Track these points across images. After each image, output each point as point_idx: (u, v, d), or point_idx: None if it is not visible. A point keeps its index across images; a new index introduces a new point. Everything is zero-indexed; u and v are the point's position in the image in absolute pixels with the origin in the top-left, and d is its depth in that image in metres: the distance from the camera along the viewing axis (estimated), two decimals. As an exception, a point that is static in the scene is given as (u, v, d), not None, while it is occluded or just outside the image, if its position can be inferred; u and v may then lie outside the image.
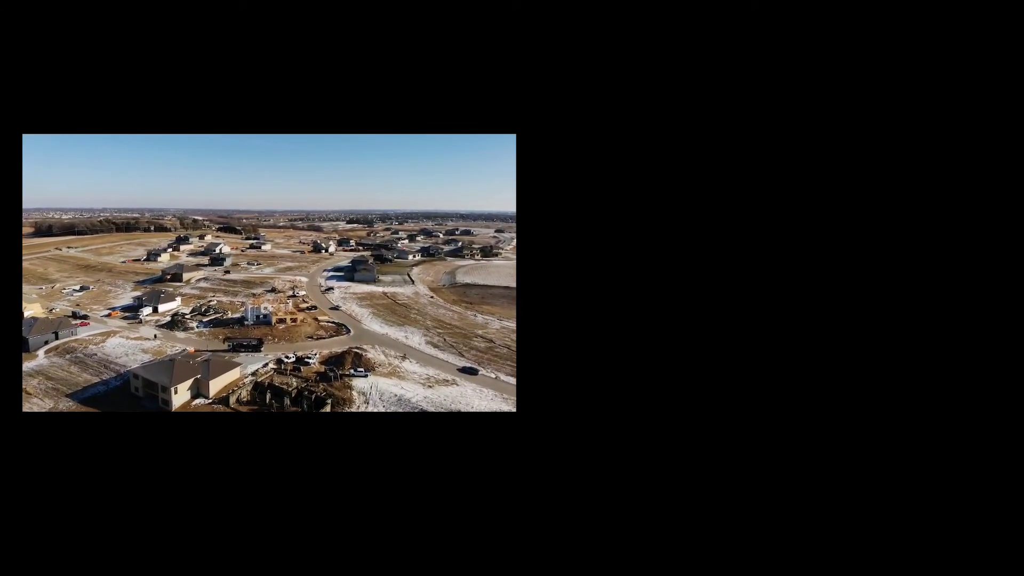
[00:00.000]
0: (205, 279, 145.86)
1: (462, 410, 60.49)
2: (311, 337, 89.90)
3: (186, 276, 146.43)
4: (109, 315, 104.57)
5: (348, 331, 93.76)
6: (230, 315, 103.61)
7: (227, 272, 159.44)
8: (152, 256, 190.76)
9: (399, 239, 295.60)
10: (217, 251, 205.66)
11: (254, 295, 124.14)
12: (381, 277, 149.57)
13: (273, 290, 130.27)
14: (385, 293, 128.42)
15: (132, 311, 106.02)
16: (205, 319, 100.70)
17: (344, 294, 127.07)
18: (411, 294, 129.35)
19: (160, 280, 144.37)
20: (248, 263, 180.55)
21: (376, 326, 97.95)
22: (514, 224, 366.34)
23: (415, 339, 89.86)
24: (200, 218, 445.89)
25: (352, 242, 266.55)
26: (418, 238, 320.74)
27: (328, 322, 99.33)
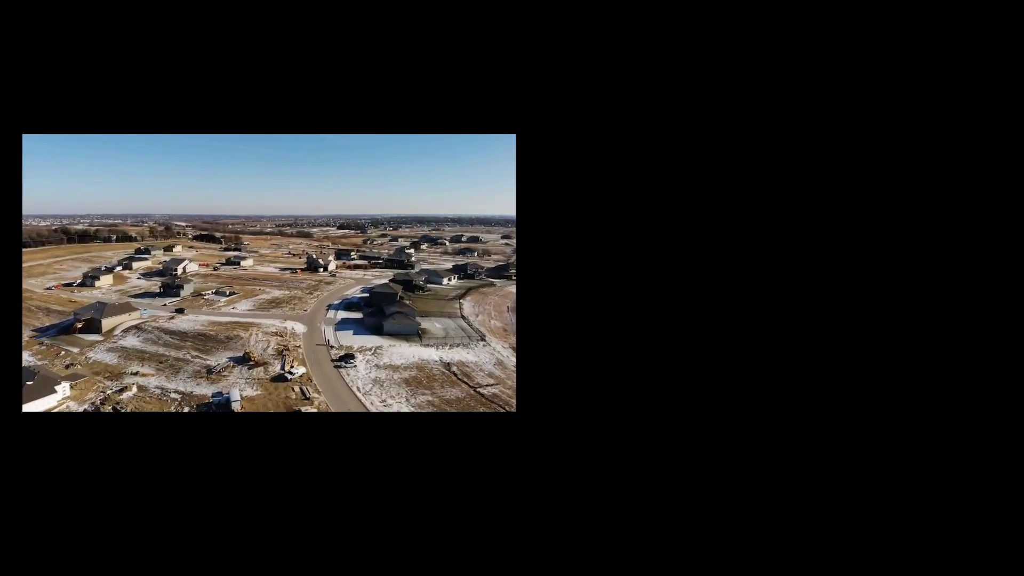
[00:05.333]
0: (138, 328, 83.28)
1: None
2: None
3: (110, 322, 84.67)
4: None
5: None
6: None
7: (177, 313, 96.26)
8: (89, 279, 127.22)
9: (405, 248, 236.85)
10: (177, 272, 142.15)
11: (210, 374, 62.72)
12: (423, 322, 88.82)
13: (245, 359, 68.14)
14: (448, 366, 67.70)
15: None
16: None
17: (376, 371, 65.59)
18: (492, 365, 68.83)
19: (67, 329, 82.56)
20: (216, 291, 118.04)
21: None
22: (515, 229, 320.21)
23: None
24: (183, 224, 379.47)
25: (353, 254, 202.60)
26: (423, 246, 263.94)
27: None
